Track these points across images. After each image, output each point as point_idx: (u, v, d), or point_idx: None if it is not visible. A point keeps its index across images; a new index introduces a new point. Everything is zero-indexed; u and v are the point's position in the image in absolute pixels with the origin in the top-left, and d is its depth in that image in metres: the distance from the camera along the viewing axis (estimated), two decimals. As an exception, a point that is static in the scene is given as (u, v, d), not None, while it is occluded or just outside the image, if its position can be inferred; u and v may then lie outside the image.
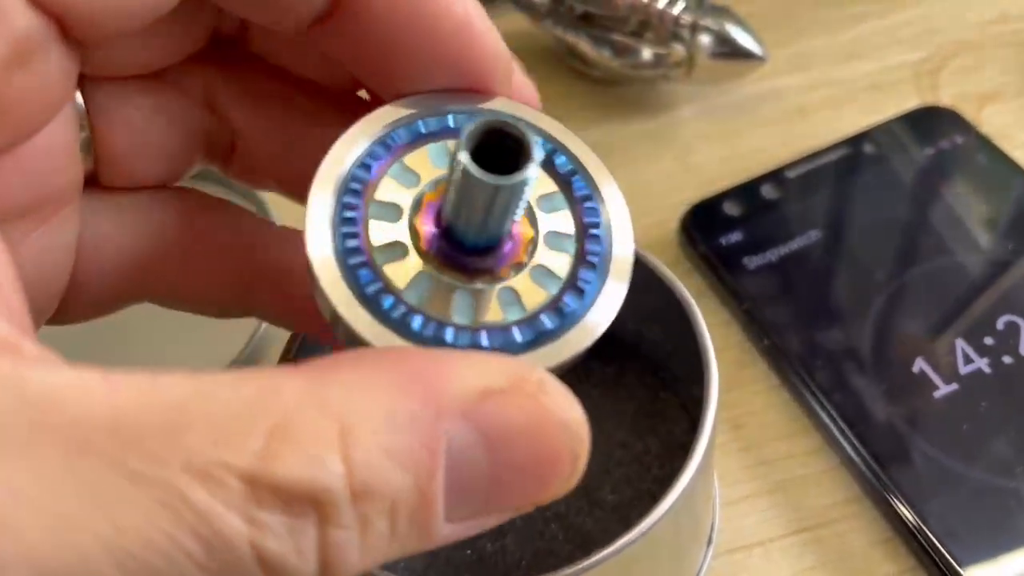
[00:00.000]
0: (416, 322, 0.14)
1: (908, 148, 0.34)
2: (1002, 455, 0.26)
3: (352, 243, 0.14)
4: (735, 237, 0.32)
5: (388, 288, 0.14)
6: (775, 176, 0.33)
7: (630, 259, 0.17)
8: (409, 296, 0.14)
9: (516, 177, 0.13)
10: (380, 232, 0.14)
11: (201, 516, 0.10)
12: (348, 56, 0.16)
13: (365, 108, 0.16)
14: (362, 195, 0.15)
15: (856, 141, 0.34)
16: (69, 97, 0.15)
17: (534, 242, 0.16)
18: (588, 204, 0.16)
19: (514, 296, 0.15)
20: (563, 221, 0.16)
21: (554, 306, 0.15)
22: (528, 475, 0.12)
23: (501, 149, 0.14)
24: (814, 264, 0.31)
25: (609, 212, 0.17)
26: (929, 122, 0.35)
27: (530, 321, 0.15)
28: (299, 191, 0.17)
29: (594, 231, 0.16)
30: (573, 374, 0.28)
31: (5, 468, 0.09)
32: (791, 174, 0.33)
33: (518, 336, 0.14)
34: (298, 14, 0.15)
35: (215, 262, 0.18)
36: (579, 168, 0.17)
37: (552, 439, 0.12)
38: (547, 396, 0.12)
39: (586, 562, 0.20)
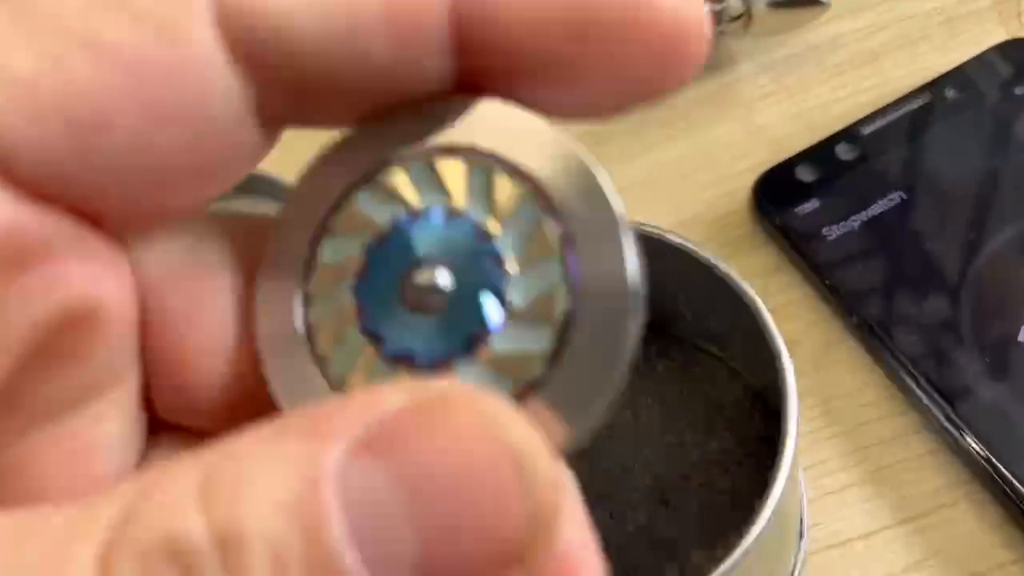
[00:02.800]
0: None
1: (996, 90, 0.31)
2: (1126, 429, 0.24)
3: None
4: (812, 205, 0.30)
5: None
6: (849, 134, 0.31)
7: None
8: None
9: None
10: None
11: None
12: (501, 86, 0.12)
13: None
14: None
15: (936, 86, 0.32)
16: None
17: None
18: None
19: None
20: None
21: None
22: (465, 509, 0.09)
23: None
24: (900, 229, 0.29)
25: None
26: (1014, 58, 0.32)
27: None
28: None
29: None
30: (636, 373, 0.27)
31: None
32: (867, 130, 0.31)
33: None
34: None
35: None
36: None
37: (473, 451, 0.09)
38: (458, 404, 0.09)
39: None
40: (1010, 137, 0.30)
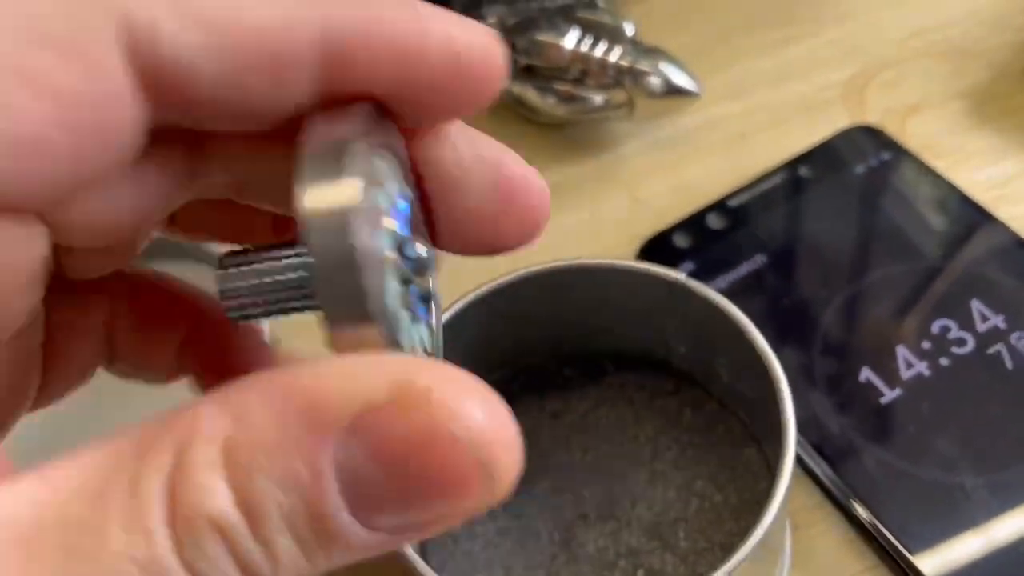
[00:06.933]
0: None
1: (839, 168, 0.36)
2: (946, 452, 0.29)
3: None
4: (687, 268, 0.34)
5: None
6: (719, 206, 0.36)
7: None
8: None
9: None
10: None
11: (147, 567, 0.11)
12: None
13: None
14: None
15: (792, 166, 0.37)
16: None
17: None
18: None
19: None
20: None
21: None
22: (432, 486, 0.12)
23: None
24: (762, 287, 0.33)
25: None
26: (856, 141, 0.37)
27: None
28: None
29: None
30: (664, 416, 0.29)
31: None
32: (734, 203, 0.36)
33: None
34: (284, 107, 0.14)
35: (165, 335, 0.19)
36: None
37: (444, 450, 0.11)
38: (434, 406, 0.11)
39: None
40: (850, 209, 0.35)
